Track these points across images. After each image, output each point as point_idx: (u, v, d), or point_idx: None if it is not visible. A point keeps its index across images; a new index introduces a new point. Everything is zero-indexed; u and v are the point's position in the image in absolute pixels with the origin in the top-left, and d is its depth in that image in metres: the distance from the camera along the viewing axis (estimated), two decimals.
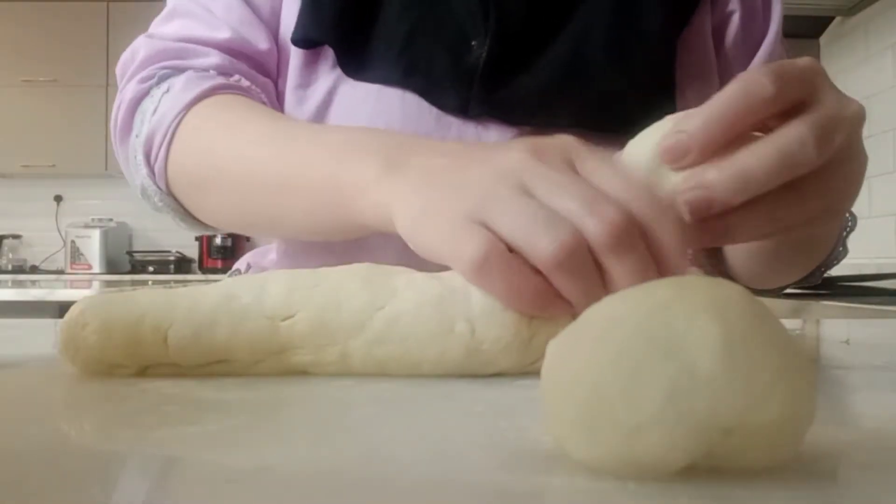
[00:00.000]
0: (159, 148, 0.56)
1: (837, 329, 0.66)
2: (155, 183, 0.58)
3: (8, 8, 3.77)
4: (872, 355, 0.46)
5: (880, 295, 1.51)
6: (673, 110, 0.57)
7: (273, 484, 0.20)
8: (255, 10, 0.61)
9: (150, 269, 3.67)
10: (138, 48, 0.60)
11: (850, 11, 2.11)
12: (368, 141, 0.44)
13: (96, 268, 3.66)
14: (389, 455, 0.22)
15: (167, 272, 3.64)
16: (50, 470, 0.21)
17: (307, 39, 0.58)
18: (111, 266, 3.70)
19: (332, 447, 0.23)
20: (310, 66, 0.60)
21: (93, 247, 3.67)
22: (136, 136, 0.58)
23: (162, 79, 0.58)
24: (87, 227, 3.71)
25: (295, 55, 0.60)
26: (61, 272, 3.71)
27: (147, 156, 0.57)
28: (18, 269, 3.83)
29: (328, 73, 0.59)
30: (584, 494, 0.19)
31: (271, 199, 0.50)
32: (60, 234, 3.86)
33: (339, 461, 0.22)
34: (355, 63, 0.57)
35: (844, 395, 0.31)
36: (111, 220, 3.77)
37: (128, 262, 3.78)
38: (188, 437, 0.25)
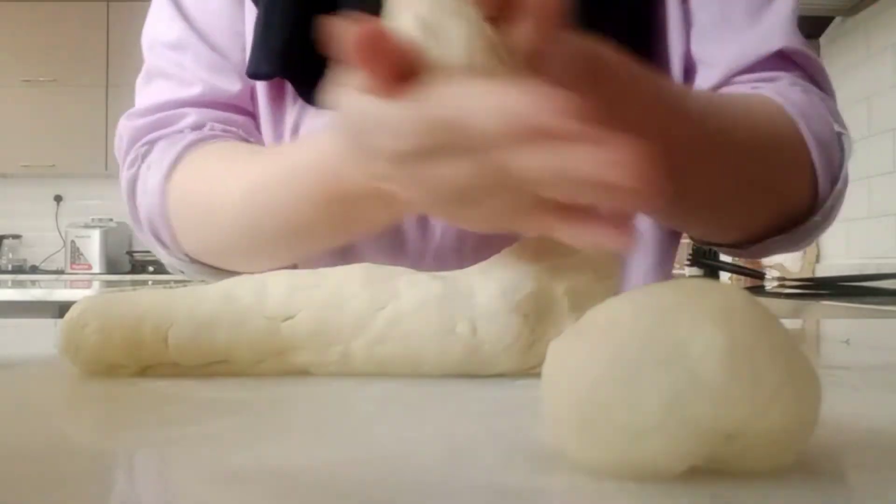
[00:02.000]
0: (161, 227, 0.56)
1: (837, 329, 0.66)
2: (177, 258, 0.58)
3: (8, 8, 3.77)
4: (872, 355, 0.46)
5: (880, 295, 1.51)
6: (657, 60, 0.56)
7: (273, 484, 0.20)
8: (224, 53, 0.61)
9: (150, 269, 3.67)
10: (122, 133, 0.61)
11: (850, 11, 2.10)
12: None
13: (96, 268, 3.66)
14: (389, 454, 0.22)
15: (167, 272, 3.63)
16: (50, 470, 0.21)
17: (260, 73, 0.58)
18: (111, 266, 3.69)
19: (333, 447, 0.23)
20: (276, 99, 0.60)
21: (93, 247, 3.67)
22: (142, 221, 0.59)
23: (143, 157, 0.59)
24: (87, 227, 3.71)
25: (261, 90, 0.60)
26: (61, 272, 3.71)
27: (156, 237, 0.58)
28: (18, 269, 3.83)
29: (293, 105, 0.59)
30: (584, 494, 0.19)
31: (283, 240, 0.50)
32: (60, 234, 3.86)
33: (340, 461, 0.22)
34: (313, 91, 0.55)
35: (844, 395, 0.31)
36: (111, 220, 3.77)
37: (128, 262, 3.77)
38: (188, 437, 0.25)
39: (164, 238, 0.57)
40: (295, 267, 0.62)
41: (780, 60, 0.57)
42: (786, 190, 0.53)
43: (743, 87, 0.56)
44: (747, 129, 0.50)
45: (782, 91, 0.54)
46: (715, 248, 0.63)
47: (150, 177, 0.57)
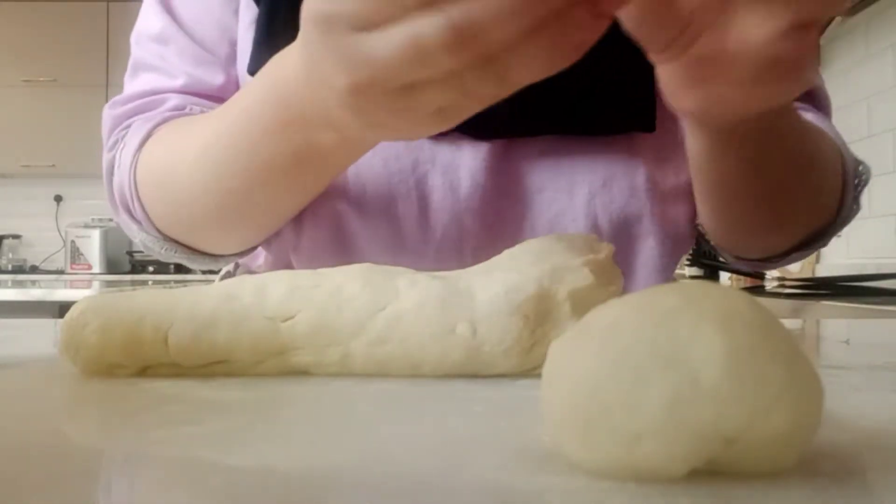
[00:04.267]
0: (132, 200, 0.57)
1: (837, 329, 0.66)
2: (149, 234, 0.58)
3: (8, 8, 3.77)
4: (872, 355, 0.46)
5: (880, 295, 1.51)
6: (652, 107, 0.57)
7: (273, 484, 0.20)
8: (208, 47, 0.61)
9: (150, 269, 3.67)
10: (105, 121, 0.62)
11: (850, 11, 2.10)
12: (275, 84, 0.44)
13: (96, 268, 3.66)
14: (389, 455, 0.22)
15: (167, 272, 3.64)
16: (50, 469, 0.21)
17: None
18: (111, 266, 3.70)
19: (333, 447, 0.23)
20: None
21: (93, 247, 3.67)
22: (116, 198, 0.59)
23: (123, 139, 0.59)
24: (87, 227, 3.71)
25: None
26: (61, 272, 3.71)
27: (128, 212, 0.58)
28: (18, 269, 3.83)
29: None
30: (583, 494, 0.19)
31: (240, 192, 0.50)
32: (60, 234, 3.86)
33: (339, 461, 0.22)
34: None
35: (844, 395, 0.31)
36: (111, 220, 3.74)
37: (128, 262, 3.77)
38: (188, 437, 0.25)
39: (135, 213, 0.57)
40: (290, 266, 0.62)
41: (803, 95, 0.59)
42: (824, 208, 0.57)
43: None
44: (813, 142, 0.53)
45: (818, 118, 0.58)
46: (737, 264, 0.64)
47: (124, 154, 0.57)
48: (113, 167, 0.59)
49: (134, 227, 0.59)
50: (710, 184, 0.53)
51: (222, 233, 0.56)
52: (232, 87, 0.62)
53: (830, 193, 0.56)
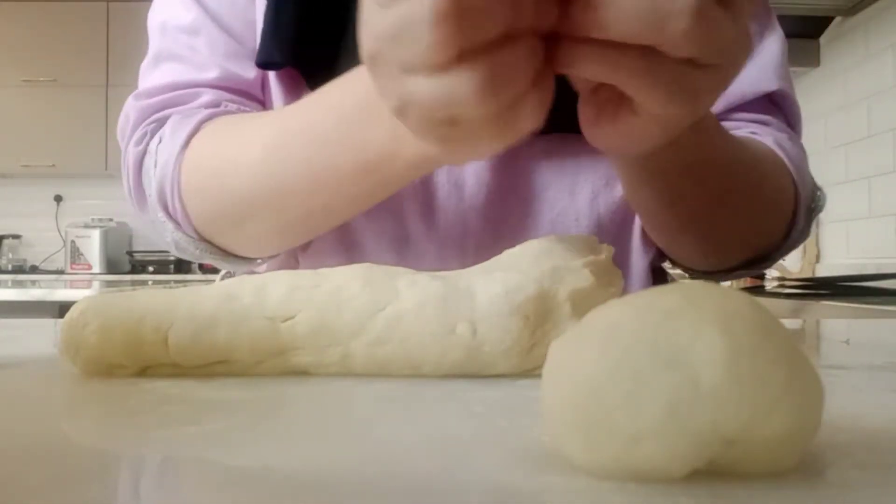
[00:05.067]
0: (172, 198, 0.55)
1: (837, 329, 0.66)
2: (185, 233, 0.57)
3: (8, 8, 3.77)
4: (872, 355, 0.46)
5: (880, 295, 1.51)
6: None
7: (274, 484, 0.20)
8: (239, 39, 0.60)
9: (150, 269, 3.67)
10: (129, 111, 0.60)
11: (850, 11, 2.11)
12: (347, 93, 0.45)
13: (96, 268, 3.66)
14: (389, 455, 0.22)
15: (167, 272, 3.64)
16: (50, 469, 0.21)
17: (271, 63, 0.57)
18: (111, 266, 3.69)
19: (333, 447, 0.23)
20: (290, 88, 0.59)
21: (93, 247, 3.67)
22: (150, 196, 0.57)
23: (153, 133, 0.58)
24: (87, 227, 3.71)
25: (275, 78, 0.59)
26: (61, 272, 3.71)
27: (165, 210, 0.56)
28: (18, 269, 3.83)
29: (307, 94, 0.58)
30: (584, 494, 0.19)
31: (305, 192, 0.49)
32: (60, 234, 3.86)
33: (340, 461, 0.22)
34: (324, 81, 0.54)
35: (844, 395, 0.31)
36: (111, 220, 3.77)
37: (128, 262, 3.77)
38: (188, 437, 0.25)
39: (174, 212, 0.56)
40: (295, 262, 0.62)
41: (769, 103, 0.60)
42: (767, 228, 0.57)
43: (741, 131, 0.58)
44: (750, 159, 0.53)
45: (780, 142, 0.57)
46: (689, 273, 0.65)
47: (163, 149, 0.55)
48: (142, 161, 0.58)
49: (170, 225, 0.57)
50: (637, 208, 0.54)
51: (272, 233, 0.55)
52: (259, 82, 0.60)
53: (775, 218, 0.56)
